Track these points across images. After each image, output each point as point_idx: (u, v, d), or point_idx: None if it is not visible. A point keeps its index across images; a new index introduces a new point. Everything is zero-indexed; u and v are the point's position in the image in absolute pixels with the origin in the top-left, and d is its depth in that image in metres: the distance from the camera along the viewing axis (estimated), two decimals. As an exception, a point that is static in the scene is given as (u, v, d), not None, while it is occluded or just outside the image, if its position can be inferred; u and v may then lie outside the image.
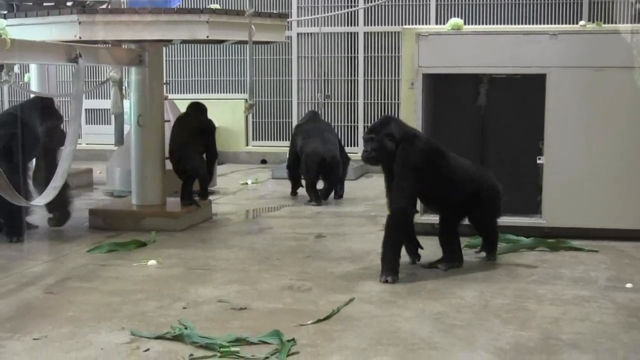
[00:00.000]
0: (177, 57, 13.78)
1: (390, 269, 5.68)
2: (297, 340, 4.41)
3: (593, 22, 7.24)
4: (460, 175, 5.99)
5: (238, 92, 13.43)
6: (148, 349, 4.31)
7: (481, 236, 6.44)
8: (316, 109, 11.19)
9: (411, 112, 7.13)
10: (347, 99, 13.03)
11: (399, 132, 5.76)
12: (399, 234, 5.75)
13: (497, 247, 6.42)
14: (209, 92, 13.68)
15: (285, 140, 12.63)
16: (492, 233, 6.35)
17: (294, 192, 9.70)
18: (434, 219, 6.50)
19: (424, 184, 5.76)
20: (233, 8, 12.09)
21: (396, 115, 12.01)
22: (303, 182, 9.46)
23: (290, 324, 4.70)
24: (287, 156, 9.77)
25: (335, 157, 9.28)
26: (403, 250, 5.84)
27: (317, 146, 9.26)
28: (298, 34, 13.12)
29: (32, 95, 8.77)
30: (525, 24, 11.89)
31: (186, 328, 4.57)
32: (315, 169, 9.17)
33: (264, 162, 13.00)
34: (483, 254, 6.40)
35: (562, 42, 6.91)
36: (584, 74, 6.92)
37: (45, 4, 8.85)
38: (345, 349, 4.32)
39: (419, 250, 6.17)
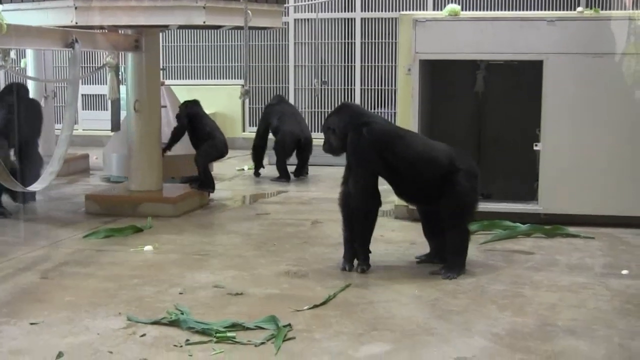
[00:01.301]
0: (174, 42, 13.76)
1: (363, 259, 5.61)
2: (293, 326, 4.41)
3: (591, 8, 7.24)
4: (431, 155, 5.53)
5: (235, 78, 13.42)
6: (144, 334, 4.32)
7: (437, 240, 5.75)
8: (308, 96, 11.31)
9: (408, 98, 7.13)
10: (344, 85, 13.03)
11: (342, 123, 5.51)
12: (366, 227, 5.57)
13: (463, 262, 5.58)
14: (206, 78, 13.68)
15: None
16: (458, 236, 5.56)
17: (257, 173, 10.20)
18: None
19: (384, 171, 5.51)
20: (230, -7, 12.06)
21: (393, 102, 12.08)
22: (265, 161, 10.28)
23: (287, 310, 4.70)
24: (255, 136, 10.30)
25: (309, 138, 10.01)
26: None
27: (294, 127, 9.93)
28: (295, 19, 13.10)
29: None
30: (523, 10, 11.88)
31: (182, 313, 4.57)
32: (292, 148, 9.88)
33: (260, 147, 12.99)
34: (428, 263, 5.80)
35: (559, 29, 6.90)
36: (582, 61, 6.91)
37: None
38: (342, 335, 4.32)
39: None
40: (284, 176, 9.82)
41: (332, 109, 5.98)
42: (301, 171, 10.08)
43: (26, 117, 7.90)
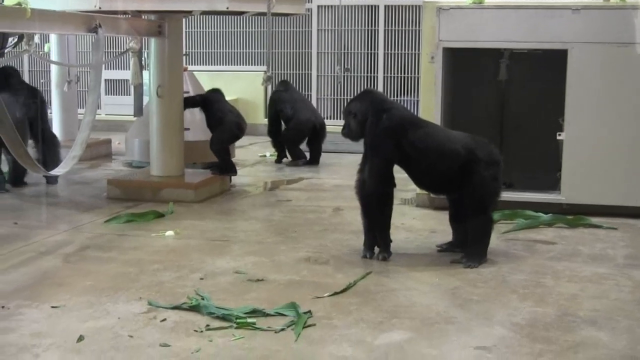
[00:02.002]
0: (197, 28, 13.75)
1: (384, 247, 5.61)
2: (313, 313, 4.42)
3: (616, -4, 7.15)
4: (448, 146, 5.48)
5: (257, 64, 13.40)
6: (165, 319, 4.33)
7: (461, 228, 5.69)
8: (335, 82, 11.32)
9: (431, 86, 7.11)
10: (367, 72, 12.98)
11: (364, 108, 5.51)
12: (383, 212, 5.56)
13: (485, 251, 5.58)
14: (229, 64, 13.67)
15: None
16: (480, 225, 5.54)
17: (280, 160, 10.21)
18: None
19: (401, 160, 5.50)
20: (253, -21, 12.03)
21: (416, 90, 12.04)
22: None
23: (307, 297, 4.71)
24: (268, 123, 10.37)
25: (323, 123, 10.23)
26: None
27: (309, 115, 10.12)
28: (318, 6, 13.05)
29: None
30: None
31: (203, 299, 4.59)
32: (307, 135, 10.04)
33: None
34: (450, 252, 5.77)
35: (584, 17, 6.85)
36: (607, 50, 6.85)
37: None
38: (362, 322, 4.32)
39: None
40: (300, 157, 10.00)
41: (355, 96, 5.96)
42: (318, 157, 10.15)
43: (30, 100, 8.01)
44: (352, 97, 11.80)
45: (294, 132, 10.01)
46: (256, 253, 5.74)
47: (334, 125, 12.48)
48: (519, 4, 7.22)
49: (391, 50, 12.82)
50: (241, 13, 8.49)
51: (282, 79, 11.24)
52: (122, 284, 4.97)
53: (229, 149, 8.47)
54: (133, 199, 7.56)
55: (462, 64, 7.63)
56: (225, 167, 8.20)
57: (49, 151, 8.10)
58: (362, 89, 11.90)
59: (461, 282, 5.07)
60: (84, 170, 9.36)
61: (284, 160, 10.17)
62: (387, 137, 5.42)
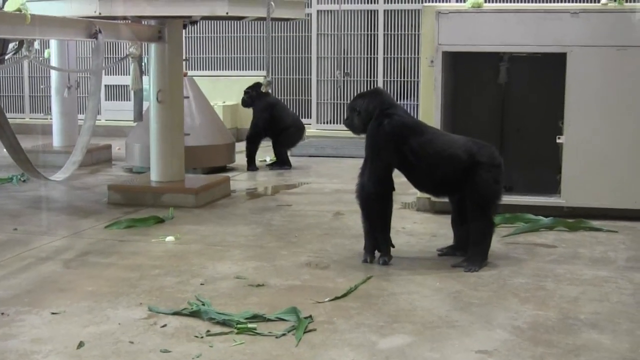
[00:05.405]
0: (197, 33, 13.77)
1: (385, 251, 5.59)
2: (314, 318, 4.41)
3: (615, 0, 7.16)
4: (449, 151, 5.46)
5: (257, 69, 13.42)
6: (165, 325, 4.33)
7: (463, 231, 5.68)
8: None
9: (430, 90, 7.11)
10: (367, 77, 13.00)
11: (370, 108, 5.50)
12: (382, 213, 5.54)
13: (486, 254, 5.57)
14: (229, 69, 13.69)
15: (306, 117, 12.66)
16: (481, 228, 5.52)
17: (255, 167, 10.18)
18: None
19: (401, 166, 5.50)
20: (253, -16, 12.03)
21: (415, 93, 12.05)
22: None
23: (308, 301, 4.70)
24: (255, 130, 10.16)
25: None
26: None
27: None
28: (318, 11, 13.08)
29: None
30: (546, 2, 11.80)
31: (203, 304, 4.58)
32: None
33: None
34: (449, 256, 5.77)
35: (583, 21, 6.85)
36: (606, 53, 6.86)
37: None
38: (363, 327, 4.32)
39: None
40: (288, 163, 10.21)
41: (364, 92, 5.95)
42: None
43: None
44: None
45: (296, 137, 10.18)
46: (257, 258, 5.74)
47: (334, 130, 12.55)
48: (517, 8, 7.24)
49: (391, 54, 12.85)
50: (241, 18, 8.51)
51: (256, 82, 10.53)
52: (123, 289, 4.97)
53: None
54: (133, 205, 7.56)
55: (462, 68, 7.63)
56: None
57: None
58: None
59: (462, 286, 5.06)
60: (85, 176, 9.37)
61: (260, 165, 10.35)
62: (387, 142, 5.41)
